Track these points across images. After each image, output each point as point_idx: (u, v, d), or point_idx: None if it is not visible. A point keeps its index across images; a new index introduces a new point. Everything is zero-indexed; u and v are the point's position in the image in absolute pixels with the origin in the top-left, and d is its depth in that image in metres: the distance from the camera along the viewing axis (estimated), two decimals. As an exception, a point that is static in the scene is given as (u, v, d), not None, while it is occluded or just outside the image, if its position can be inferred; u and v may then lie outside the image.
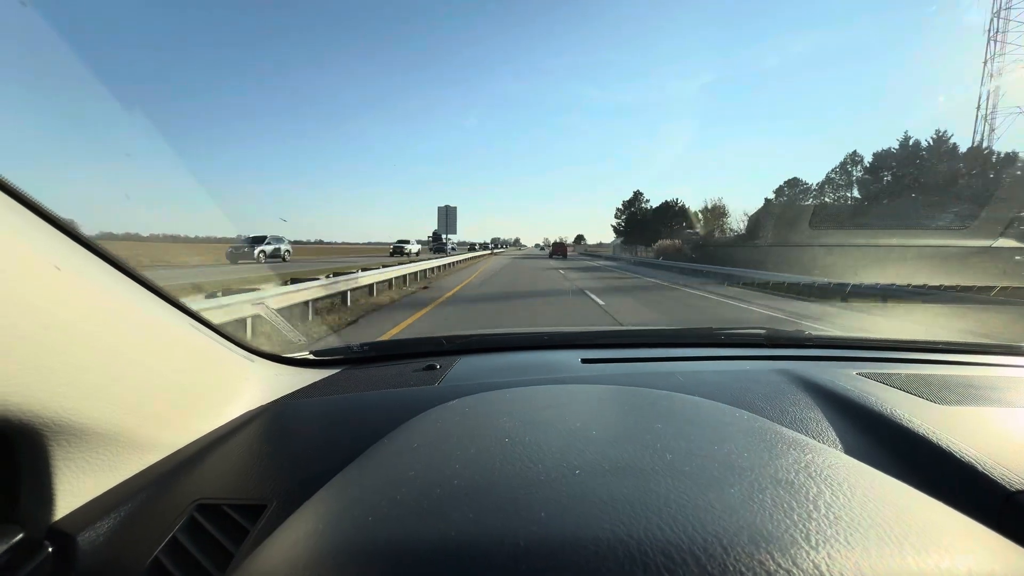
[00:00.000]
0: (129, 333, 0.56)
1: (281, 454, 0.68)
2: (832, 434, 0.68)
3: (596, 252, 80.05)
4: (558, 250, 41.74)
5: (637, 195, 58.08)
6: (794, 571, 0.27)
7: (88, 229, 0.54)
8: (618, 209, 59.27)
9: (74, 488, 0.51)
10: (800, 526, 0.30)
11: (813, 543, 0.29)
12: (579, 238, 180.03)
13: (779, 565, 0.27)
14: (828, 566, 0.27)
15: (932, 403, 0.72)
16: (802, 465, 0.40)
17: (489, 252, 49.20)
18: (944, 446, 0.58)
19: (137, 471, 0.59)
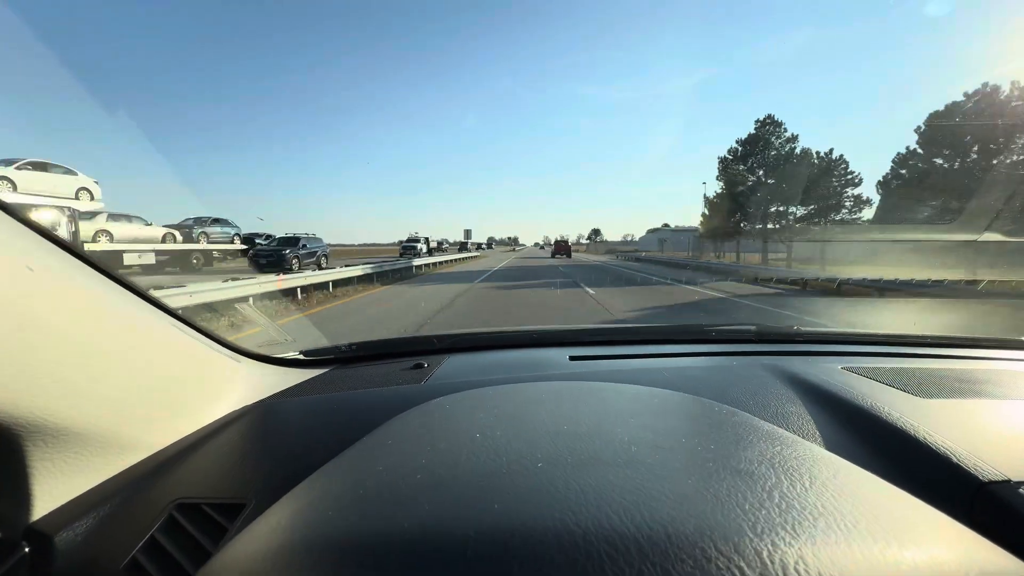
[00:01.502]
0: (108, 334, 0.56)
1: (262, 453, 0.68)
2: (812, 428, 0.68)
3: (638, 254, 39.28)
4: (560, 249, 37.80)
5: (769, 126, 25.00)
6: (735, 558, 0.27)
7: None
8: (724, 161, 26.71)
9: (52, 489, 0.51)
10: (749, 515, 0.31)
11: (758, 531, 0.29)
12: (595, 233, 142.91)
13: (720, 552, 0.27)
14: (770, 553, 0.27)
15: (915, 396, 0.73)
16: (766, 456, 0.40)
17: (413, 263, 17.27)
18: (921, 438, 0.58)
19: (117, 471, 0.59)
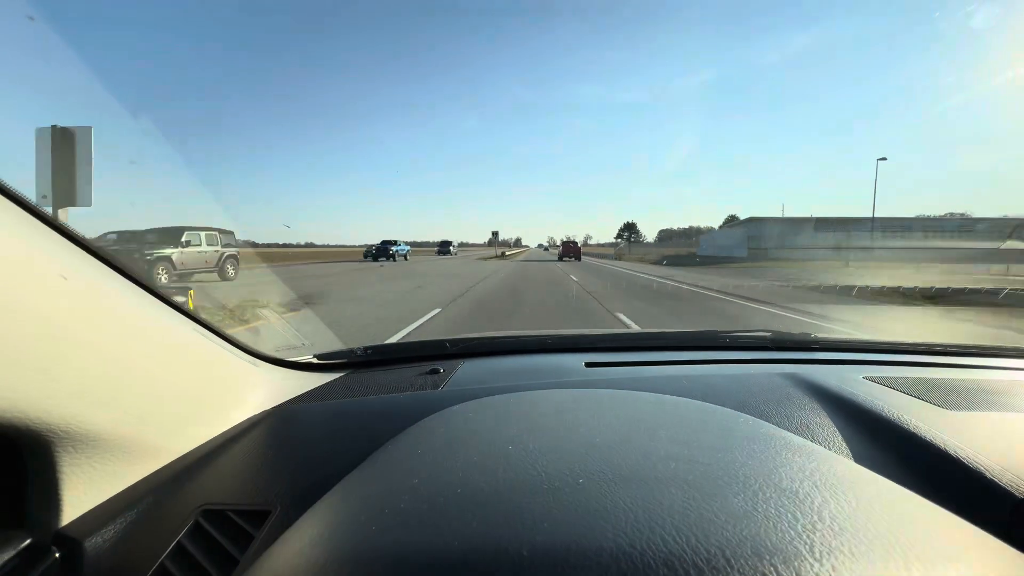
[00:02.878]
0: (135, 341, 0.56)
1: (285, 459, 0.68)
2: (838, 439, 0.67)
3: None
4: (569, 251, 33.81)
5: None
6: None
7: (94, 235, 0.54)
8: None
9: (81, 494, 0.52)
10: (804, 537, 0.30)
11: (817, 554, 0.29)
12: (629, 229, 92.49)
13: None
14: None
15: (939, 408, 0.72)
16: (807, 473, 0.39)
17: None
18: (952, 453, 0.57)
19: (143, 477, 0.59)
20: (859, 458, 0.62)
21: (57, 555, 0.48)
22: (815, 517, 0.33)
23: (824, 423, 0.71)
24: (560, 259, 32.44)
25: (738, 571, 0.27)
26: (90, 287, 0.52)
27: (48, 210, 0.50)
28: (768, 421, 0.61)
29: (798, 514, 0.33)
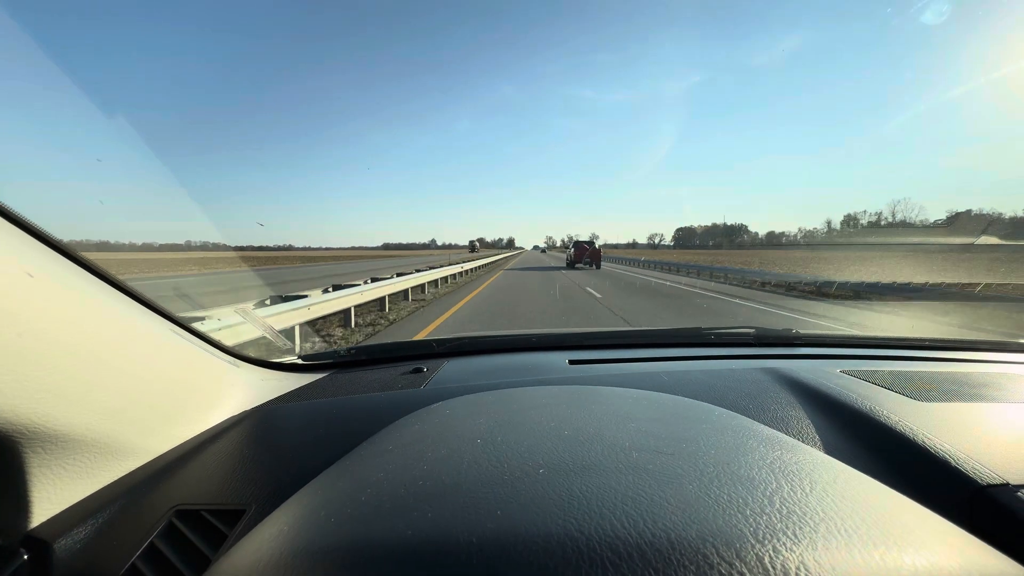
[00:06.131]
0: (107, 340, 0.55)
1: (262, 459, 0.67)
2: (812, 431, 0.68)
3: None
4: (583, 254, 23.64)
5: None
6: (737, 564, 0.27)
7: (65, 236, 0.53)
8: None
9: (51, 495, 0.51)
10: (750, 521, 0.31)
11: (760, 537, 0.29)
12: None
13: (722, 558, 0.28)
14: (771, 559, 0.28)
15: (914, 400, 0.73)
16: (767, 461, 0.40)
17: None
18: (920, 442, 0.59)
19: (116, 477, 0.58)
20: (830, 449, 0.64)
21: (25, 557, 0.47)
22: (765, 502, 0.33)
23: (799, 416, 0.73)
24: (571, 265, 23.54)
25: (679, 553, 0.28)
26: (59, 285, 0.51)
27: (12, 207, 0.49)
28: (744, 414, 0.62)
29: (749, 499, 0.34)
